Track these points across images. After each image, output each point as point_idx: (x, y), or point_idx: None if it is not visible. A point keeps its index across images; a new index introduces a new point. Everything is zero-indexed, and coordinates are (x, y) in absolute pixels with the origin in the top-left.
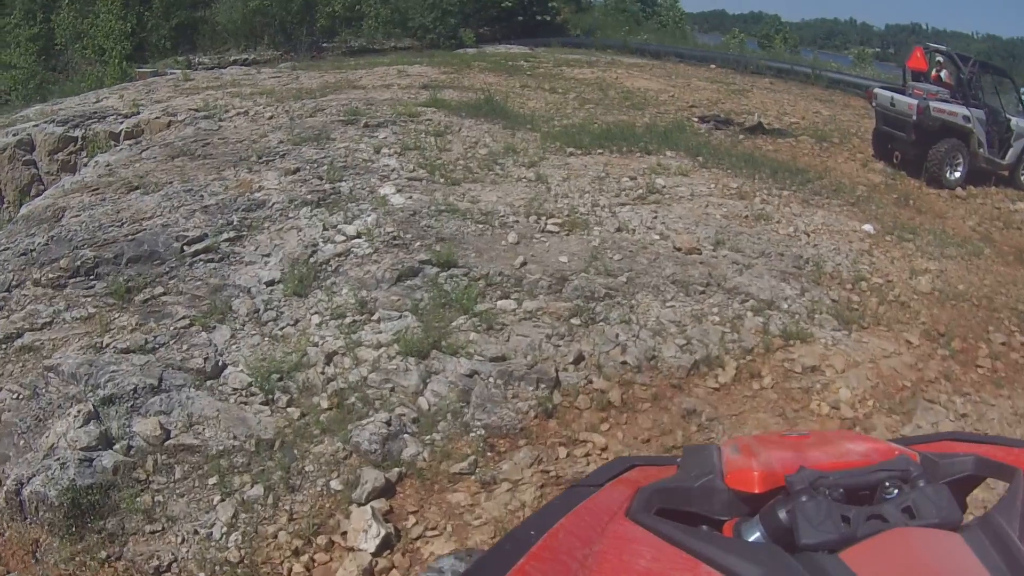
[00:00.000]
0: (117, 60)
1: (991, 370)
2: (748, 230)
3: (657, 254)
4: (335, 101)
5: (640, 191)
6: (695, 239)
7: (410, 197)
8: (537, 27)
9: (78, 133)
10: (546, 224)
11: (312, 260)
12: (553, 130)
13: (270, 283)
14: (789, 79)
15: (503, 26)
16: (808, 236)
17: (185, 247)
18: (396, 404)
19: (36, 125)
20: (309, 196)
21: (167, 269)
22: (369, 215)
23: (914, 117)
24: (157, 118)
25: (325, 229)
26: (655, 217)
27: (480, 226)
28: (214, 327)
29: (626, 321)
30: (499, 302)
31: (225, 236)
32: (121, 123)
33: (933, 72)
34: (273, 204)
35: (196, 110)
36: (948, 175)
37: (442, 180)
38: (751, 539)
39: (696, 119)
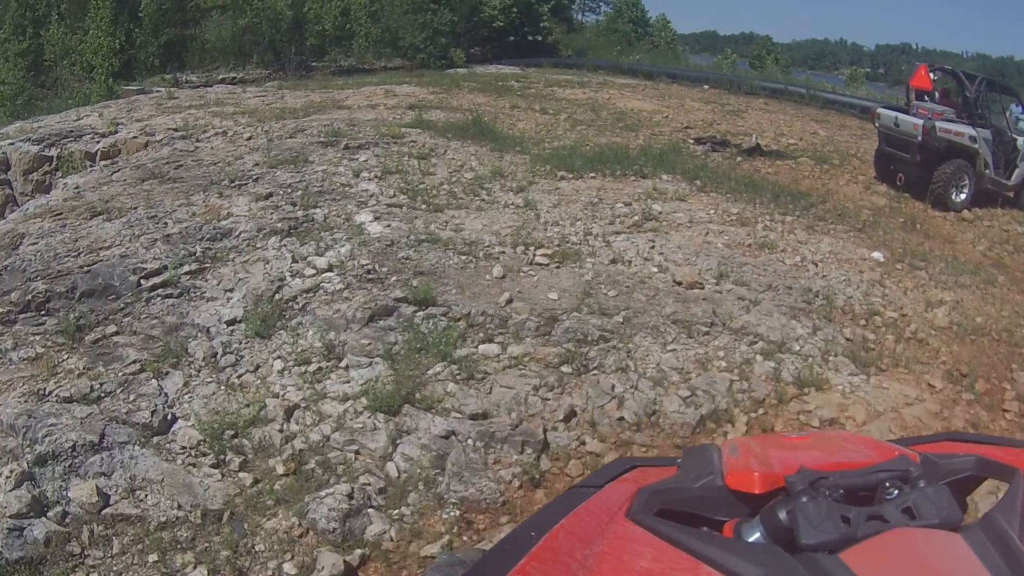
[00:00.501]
0: (103, 77)
1: (1019, 414)
2: (752, 260)
3: (656, 289)
4: (317, 121)
5: (636, 218)
6: (696, 272)
7: (388, 225)
8: (529, 47)
9: (53, 152)
10: (535, 255)
11: (278, 297)
12: (543, 152)
13: (231, 322)
14: (784, 99)
15: (494, 46)
16: (816, 266)
17: (142, 280)
18: (361, 471)
19: (12, 143)
20: (280, 224)
21: (122, 305)
22: (343, 245)
23: (919, 138)
24: (135, 138)
25: (294, 261)
26: (652, 247)
27: (463, 258)
28: (167, 373)
29: (623, 368)
30: (481, 346)
31: (186, 268)
32: (97, 143)
33: (939, 90)
34: (240, 233)
35: (175, 130)
36: (954, 197)
37: (424, 206)
38: (751, 539)
39: (692, 141)
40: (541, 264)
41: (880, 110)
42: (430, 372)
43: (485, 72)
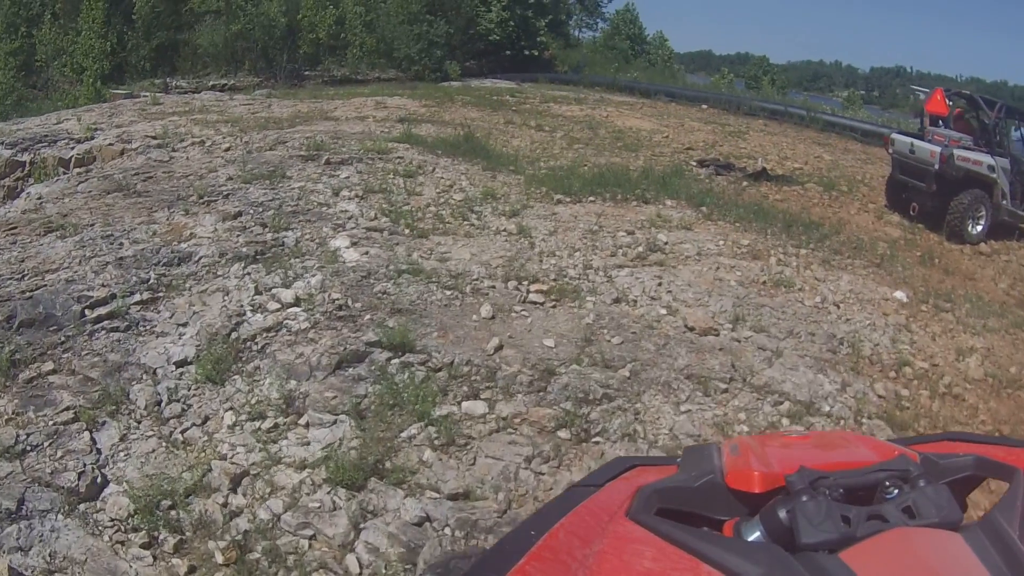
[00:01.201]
0: (91, 80)
1: None
2: (770, 301)
3: (666, 336)
4: (301, 133)
5: (640, 249)
6: (710, 315)
7: (366, 253)
8: (525, 62)
9: (27, 158)
10: (528, 292)
11: (235, 335)
12: (539, 173)
13: (181, 363)
14: (783, 121)
15: (490, 60)
16: (838, 308)
17: (87, 311)
18: (315, 565)
19: None
20: (245, 249)
21: (62, 339)
22: (313, 275)
23: (936, 166)
24: (110, 145)
25: (257, 293)
26: (659, 284)
27: (448, 293)
28: (103, 423)
29: (630, 435)
30: (465, 403)
31: (137, 298)
32: (72, 149)
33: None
34: (200, 258)
35: (153, 137)
36: (970, 229)
37: (407, 231)
38: (751, 539)
39: (695, 163)
40: (536, 303)
41: (894, 136)
42: (403, 435)
43: (480, 86)
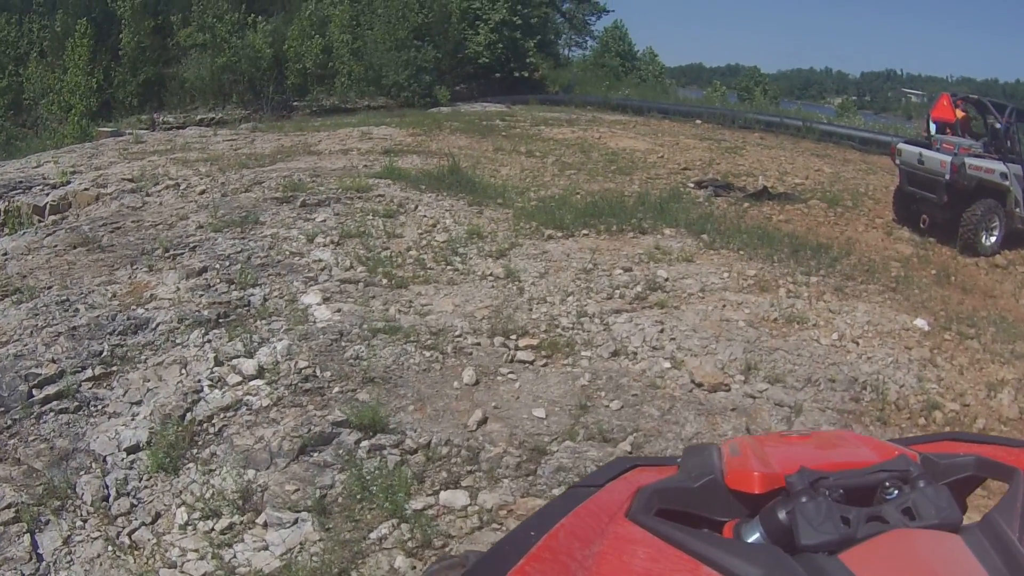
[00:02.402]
0: (77, 118)
1: None
2: (783, 343)
3: (672, 397)
4: (279, 171)
5: (638, 288)
6: (719, 365)
7: (339, 310)
8: (515, 84)
9: (0, 206)
10: (516, 348)
11: (191, 416)
12: (528, 205)
13: (132, 449)
14: (779, 132)
15: (480, 83)
16: (857, 344)
17: (35, 390)
18: None
19: None
20: (207, 312)
21: (8, 423)
22: (280, 340)
23: (947, 176)
24: (86, 190)
25: (217, 364)
26: (661, 331)
27: (427, 355)
28: (46, 522)
29: None
30: (443, 493)
31: (88, 374)
32: (47, 195)
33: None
34: (158, 324)
35: (129, 180)
36: (984, 241)
37: (385, 281)
38: (751, 540)
39: (692, 185)
40: (524, 361)
41: (901, 146)
42: (373, 535)
43: (470, 111)
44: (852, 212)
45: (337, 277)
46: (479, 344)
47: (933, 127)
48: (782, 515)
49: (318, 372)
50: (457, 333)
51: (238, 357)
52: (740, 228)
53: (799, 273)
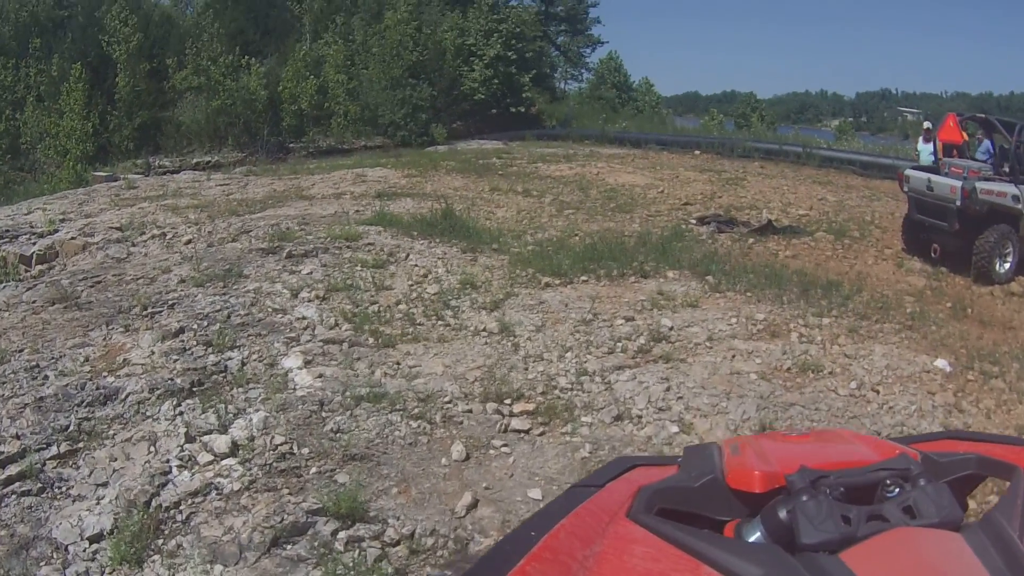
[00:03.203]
0: (72, 163)
1: None
2: (798, 396)
3: None
4: (268, 218)
5: (641, 340)
6: (731, 427)
7: (321, 375)
8: (512, 119)
9: None
10: (511, 415)
11: (157, 501)
12: (525, 250)
13: (96, 538)
14: (779, 160)
15: (476, 120)
16: (877, 392)
17: None
18: None
19: None
20: (181, 379)
21: None
22: (256, 411)
23: (958, 202)
24: (73, 239)
25: (188, 440)
26: (667, 389)
27: (413, 425)
28: None
29: None
30: None
31: (53, 451)
32: (34, 244)
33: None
34: (128, 395)
35: (118, 228)
36: (998, 268)
37: (371, 340)
38: (751, 539)
39: (694, 221)
40: (519, 431)
41: (909, 172)
42: None
43: (466, 149)
44: (860, 243)
45: (321, 337)
46: (470, 411)
47: (925, 148)
48: (783, 514)
49: (295, 448)
50: (447, 399)
51: (211, 432)
52: (746, 267)
53: (810, 314)
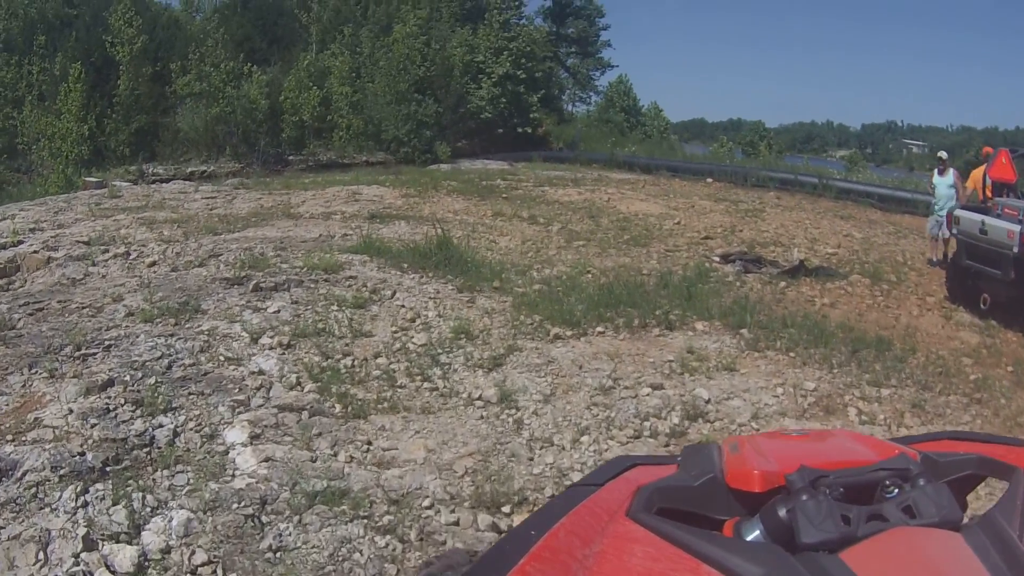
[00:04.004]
0: (60, 167)
1: None
2: None
3: None
4: (245, 240)
5: (674, 418)
6: None
7: (269, 458)
8: (518, 139)
9: None
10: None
11: None
12: (530, 290)
13: None
14: (795, 190)
15: (482, 139)
16: None
17: None
18: None
19: None
20: (93, 455)
21: None
22: (180, 508)
23: (1015, 249)
24: (35, 252)
25: (86, 547)
26: None
27: (380, 543)
28: None
29: None
30: None
31: None
32: None
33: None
34: (26, 473)
35: (85, 243)
36: None
37: (338, 408)
38: (751, 539)
39: (717, 258)
40: None
41: (960, 213)
42: None
43: (470, 168)
44: (898, 289)
45: (277, 400)
46: (456, 523)
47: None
48: (782, 513)
49: (219, 573)
50: (427, 502)
51: (118, 536)
52: (784, 320)
53: (866, 383)
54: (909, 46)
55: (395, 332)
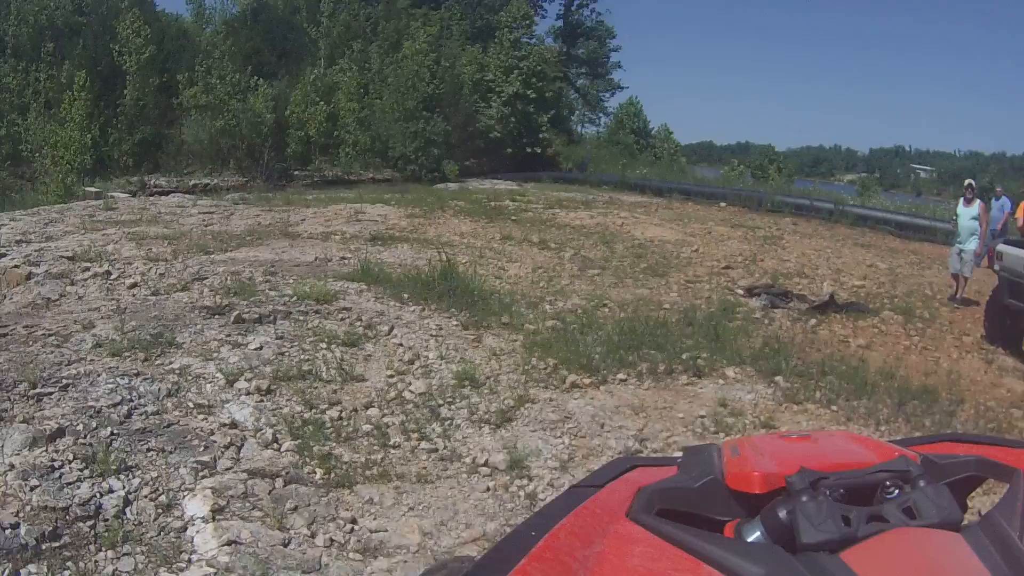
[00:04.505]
0: (60, 176)
1: None
2: None
3: None
4: (234, 262)
5: None
6: None
7: (232, 541)
8: (527, 160)
9: None
10: None
11: None
12: (542, 327)
13: None
14: (809, 216)
15: (491, 158)
16: None
17: None
18: None
19: None
20: (27, 530)
21: None
22: None
23: None
24: (16, 267)
25: None
26: None
27: None
28: None
29: None
30: None
31: None
32: None
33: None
34: None
35: (70, 258)
36: None
37: (319, 474)
38: (751, 539)
39: (741, 291)
40: None
41: (1003, 249)
42: None
43: (478, 188)
44: (932, 327)
45: (248, 462)
46: None
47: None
48: (783, 514)
49: None
50: None
51: None
52: (822, 366)
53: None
54: (917, 71)
55: (390, 377)
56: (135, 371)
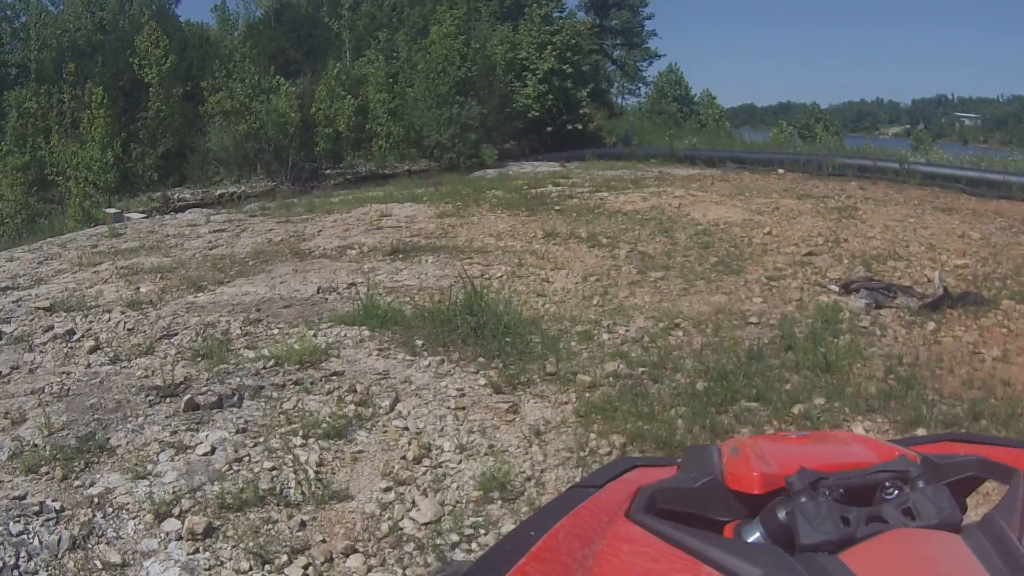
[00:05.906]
0: (78, 200)
1: None
2: None
3: None
4: (217, 305)
5: None
6: None
7: None
8: (568, 137)
9: None
10: None
11: None
12: (600, 375)
13: None
14: (873, 177)
15: (531, 139)
16: None
17: None
18: None
19: None
20: None
21: None
22: None
23: None
24: None
25: None
26: None
27: None
28: None
29: None
30: None
31: None
32: None
33: None
34: None
35: (47, 308)
36: None
37: None
38: (751, 540)
39: (836, 288)
40: None
41: None
42: None
43: (519, 172)
44: None
45: None
46: None
47: None
48: (782, 515)
49: None
50: None
51: None
52: (973, 408)
53: None
54: (957, 15)
55: (386, 490)
56: (43, 501)
